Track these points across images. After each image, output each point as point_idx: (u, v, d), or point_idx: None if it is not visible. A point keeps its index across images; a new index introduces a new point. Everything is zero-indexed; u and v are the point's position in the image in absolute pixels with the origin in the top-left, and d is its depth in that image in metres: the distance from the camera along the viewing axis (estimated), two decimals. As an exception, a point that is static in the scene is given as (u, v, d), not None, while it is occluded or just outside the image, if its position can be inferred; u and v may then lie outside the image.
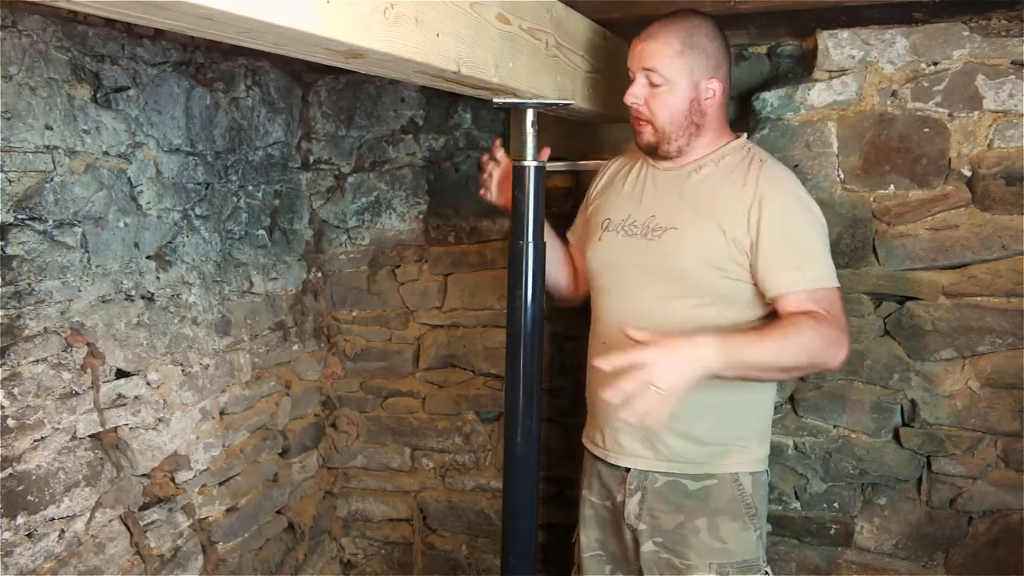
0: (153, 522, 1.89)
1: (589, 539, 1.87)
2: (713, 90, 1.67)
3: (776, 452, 2.15)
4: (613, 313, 1.76)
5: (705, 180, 1.70)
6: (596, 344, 1.81)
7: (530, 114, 1.68)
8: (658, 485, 1.72)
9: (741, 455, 1.71)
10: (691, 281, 1.65)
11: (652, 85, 1.64)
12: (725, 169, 1.70)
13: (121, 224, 1.80)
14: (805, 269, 1.61)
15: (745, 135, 1.81)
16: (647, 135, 1.69)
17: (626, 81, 2.06)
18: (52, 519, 1.65)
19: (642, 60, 1.64)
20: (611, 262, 1.77)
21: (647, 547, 1.73)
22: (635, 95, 1.66)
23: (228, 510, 2.16)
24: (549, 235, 1.89)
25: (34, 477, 1.61)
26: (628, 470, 1.75)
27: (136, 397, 1.85)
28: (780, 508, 2.19)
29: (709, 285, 1.64)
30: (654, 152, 1.72)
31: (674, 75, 1.62)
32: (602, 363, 1.39)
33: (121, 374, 1.81)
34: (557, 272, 1.93)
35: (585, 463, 1.90)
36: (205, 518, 2.08)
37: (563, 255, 1.95)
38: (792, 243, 1.63)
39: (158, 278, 1.91)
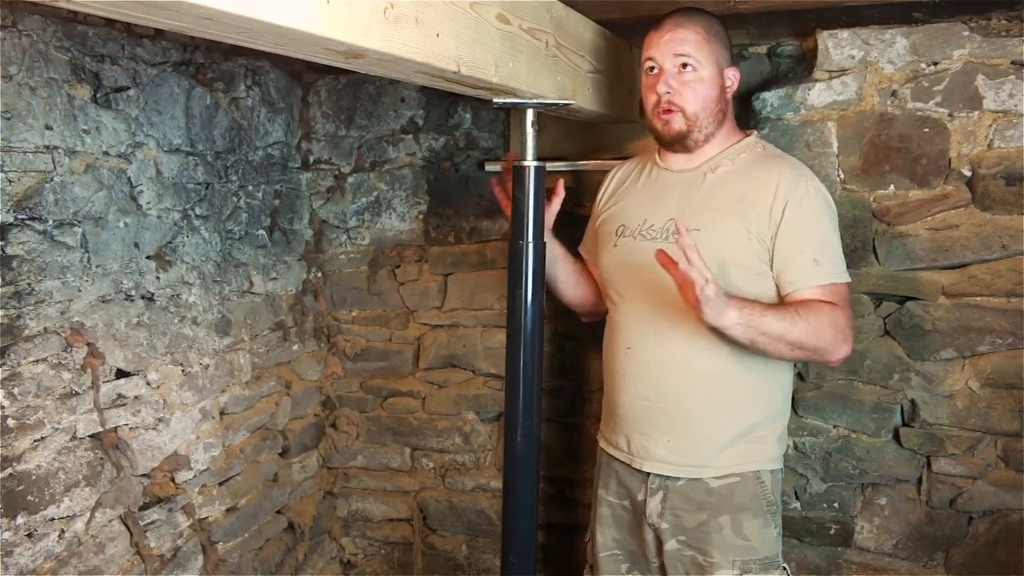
0: (153, 522, 1.89)
1: (605, 538, 1.86)
2: (732, 78, 1.71)
3: (776, 452, 2.16)
4: (635, 318, 1.75)
5: (722, 179, 1.70)
6: (619, 350, 1.79)
7: (530, 114, 1.68)
8: (680, 484, 1.71)
9: (762, 453, 1.72)
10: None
11: (682, 72, 1.65)
12: (742, 167, 1.71)
13: (121, 224, 1.80)
14: (823, 265, 1.64)
15: (756, 133, 1.81)
16: (676, 124, 1.68)
17: (626, 81, 2.07)
18: (52, 519, 1.64)
19: (672, 48, 1.65)
20: (630, 267, 1.76)
21: (670, 545, 1.73)
22: (669, 84, 1.66)
23: (228, 510, 2.16)
24: (566, 259, 1.92)
25: (34, 477, 1.61)
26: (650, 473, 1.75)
27: (136, 397, 1.85)
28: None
29: (734, 284, 1.63)
30: (681, 142, 1.71)
31: (705, 60, 1.65)
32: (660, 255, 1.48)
33: (121, 374, 1.81)
34: (579, 291, 1.94)
35: (600, 463, 1.89)
36: (205, 518, 2.08)
37: (580, 275, 1.95)
38: (811, 238, 1.65)
39: (158, 278, 1.91)
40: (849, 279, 1.70)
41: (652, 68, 1.68)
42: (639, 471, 1.76)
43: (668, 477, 1.72)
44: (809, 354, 1.64)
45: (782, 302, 1.65)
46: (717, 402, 1.69)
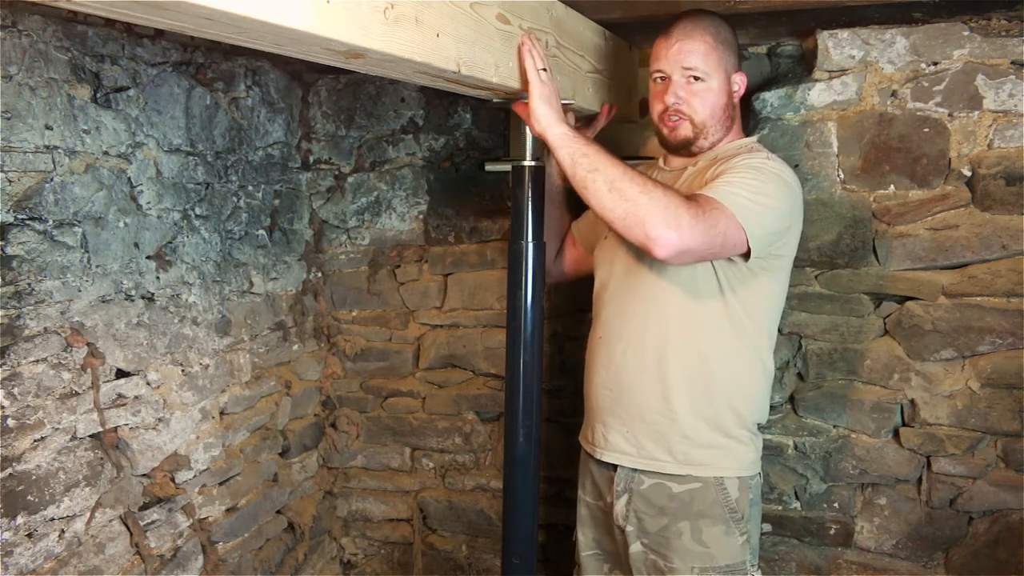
0: (153, 522, 1.89)
1: (587, 538, 1.89)
2: (739, 84, 1.71)
3: (776, 452, 2.16)
4: (608, 308, 1.78)
5: (699, 168, 1.70)
6: (594, 339, 1.83)
7: (530, 114, 1.68)
8: (644, 487, 1.72)
9: (726, 460, 1.69)
10: (672, 269, 1.64)
11: (690, 83, 1.66)
12: (722, 160, 1.68)
13: (121, 224, 1.80)
14: (718, 187, 1.53)
15: (756, 136, 1.83)
16: (683, 130, 1.69)
17: (626, 81, 2.07)
18: (52, 519, 1.64)
19: (681, 60, 1.65)
20: (608, 259, 1.80)
21: (635, 547, 1.74)
22: (678, 95, 1.67)
23: (228, 510, 2.16)
24: (562, 208, 2.02)
25: (34, 477, 1.61)
26: (616, 468, 1.75)
27: (136, 397, 1.85)
28: (780, 508, 2.19)
29: (690, 270, 1.63)
30: (687, 147, 1.72)
31: (712, 70, 1.65)
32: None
33: (121, 374, 1.81)
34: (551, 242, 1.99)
35: (581, 463, 1.91)
36: (205, 518, 2.08)
37: (561, 231, 2.06)
38: (734, 175, 1.56)
39: (158, 278, 1.91)
40: (739, 216, 1.50)
41: (661, 78, 1.69)
42: (605, 467, 1.78)
43: (633, 478, 1.72)
44: (629, 207, 1.42)
45: None
46: (676, 396, 1.67)
